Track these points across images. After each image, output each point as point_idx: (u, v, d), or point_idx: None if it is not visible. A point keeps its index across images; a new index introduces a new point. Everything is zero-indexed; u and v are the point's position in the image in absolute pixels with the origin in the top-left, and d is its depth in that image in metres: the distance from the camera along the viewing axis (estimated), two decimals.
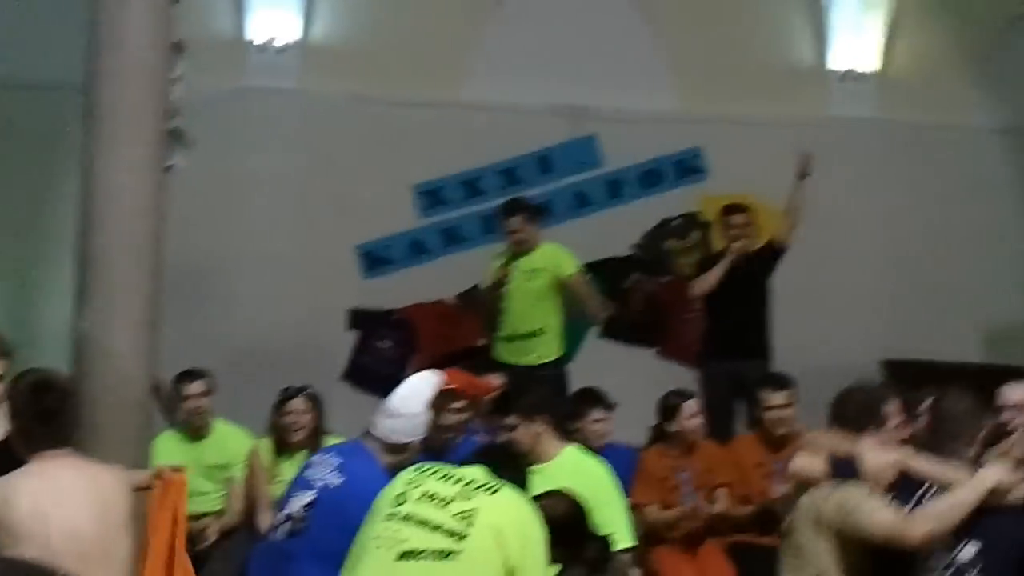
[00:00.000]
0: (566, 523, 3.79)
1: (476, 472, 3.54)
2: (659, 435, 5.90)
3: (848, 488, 3.84)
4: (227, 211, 8.03)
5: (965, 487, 3.74)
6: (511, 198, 7.29)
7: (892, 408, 4.18)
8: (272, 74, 8.25)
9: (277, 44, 8.26)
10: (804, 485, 3.98)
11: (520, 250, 6.74)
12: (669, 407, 5.75)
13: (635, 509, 5.53)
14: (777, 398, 5.65)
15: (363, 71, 8.29)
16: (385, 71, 8.29)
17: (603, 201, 8.64)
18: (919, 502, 3.81)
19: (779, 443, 5.62)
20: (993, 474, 3.77)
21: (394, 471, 3.77)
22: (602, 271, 8.58)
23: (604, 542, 4.08)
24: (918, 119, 8.49)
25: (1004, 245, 8.55)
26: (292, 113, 8.32)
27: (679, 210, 8.68)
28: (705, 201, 8.65)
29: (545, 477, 4.19)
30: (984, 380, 5.64)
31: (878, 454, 3.93)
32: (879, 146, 8.52)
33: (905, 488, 3.87)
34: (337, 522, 3.73)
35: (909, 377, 6.53)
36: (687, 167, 8.68)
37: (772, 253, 7.17)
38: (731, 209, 7.24)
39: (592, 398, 5.75)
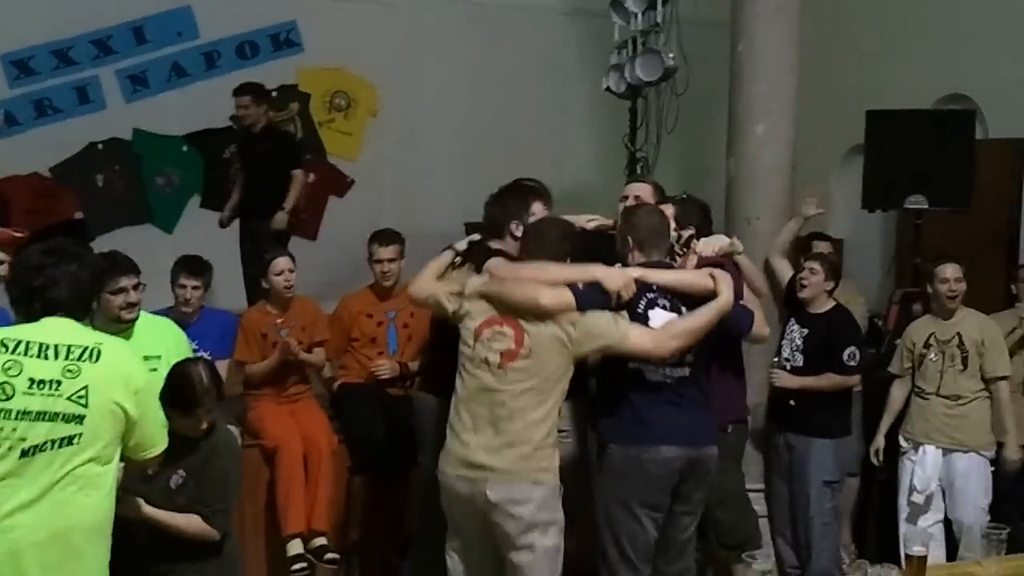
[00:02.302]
0: (210, 386, 3.95)
1: (66, 328, 3.38)
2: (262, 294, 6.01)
3: (594, 315, 4.12)
4: None
5: (706, 310, 4.22)
6: None
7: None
8: None
9: None
10: (556, 312, 4.12)
11: None
12: (263, 265, 5.87)
13: (239, 367, 5.75)
14: (385, 252, 5.96)
15: None
16: None
17: (200, 72, 8.63)
18: (651, 304, 4.25)
19: (386, 293, 6.03)
20: (726, 297, 4.26)
21: None
22: (201, 142, 8.77)
23: None
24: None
25: (570, 117, 9.29)
26: None
27: (276, 82, 8.77)
28: (301, 73, 8.98)
29: (131, 337, 4.43)
30: None
31: (616, 274, 4.23)
32: (460, 24, 8.98)
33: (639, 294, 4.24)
34: None
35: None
36: (283, 40, 8.84)
37: (286, 137, 7.89)
38: (237, 91, 7.66)
39: (183, 265, 5.66)
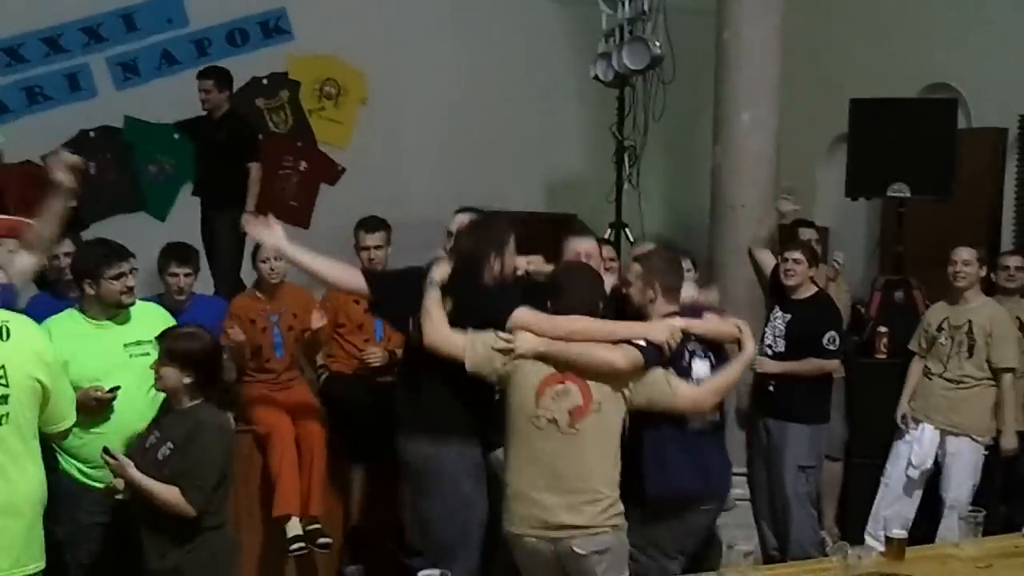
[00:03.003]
0: (206, 357, 4.00)
1: None
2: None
3: (651, 374, 4.20)
4: None
5: (736, 365, 4.45)
6: None
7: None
8: None
9: None
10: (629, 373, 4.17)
11: None
12: (252, 251, 5.83)
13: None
14: (371, 239, 5.88)
15: None
16: None
17: (190, 60, 8.58)
18: (692, 356, 4.43)
19: None
20: (751, 351, 4.53)
21: None
22: (192, 130, 8.80)
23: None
24: None
25: (558, 105, 9.31)
26: None
27: (267, 70, 8.87)
28: (291, 61, 9.02)
29: (127, 321, 4.50)
30: (547, 226, 6.53)
31: (661, 326, 4.30)
32: (449, 12, 9.05)
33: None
34: None
35: None
36: (272, 27, 8.86)
37: (244, 127, 7.76)
38: (200, 74, 7.61)
39: (173, 253, 5.67)
